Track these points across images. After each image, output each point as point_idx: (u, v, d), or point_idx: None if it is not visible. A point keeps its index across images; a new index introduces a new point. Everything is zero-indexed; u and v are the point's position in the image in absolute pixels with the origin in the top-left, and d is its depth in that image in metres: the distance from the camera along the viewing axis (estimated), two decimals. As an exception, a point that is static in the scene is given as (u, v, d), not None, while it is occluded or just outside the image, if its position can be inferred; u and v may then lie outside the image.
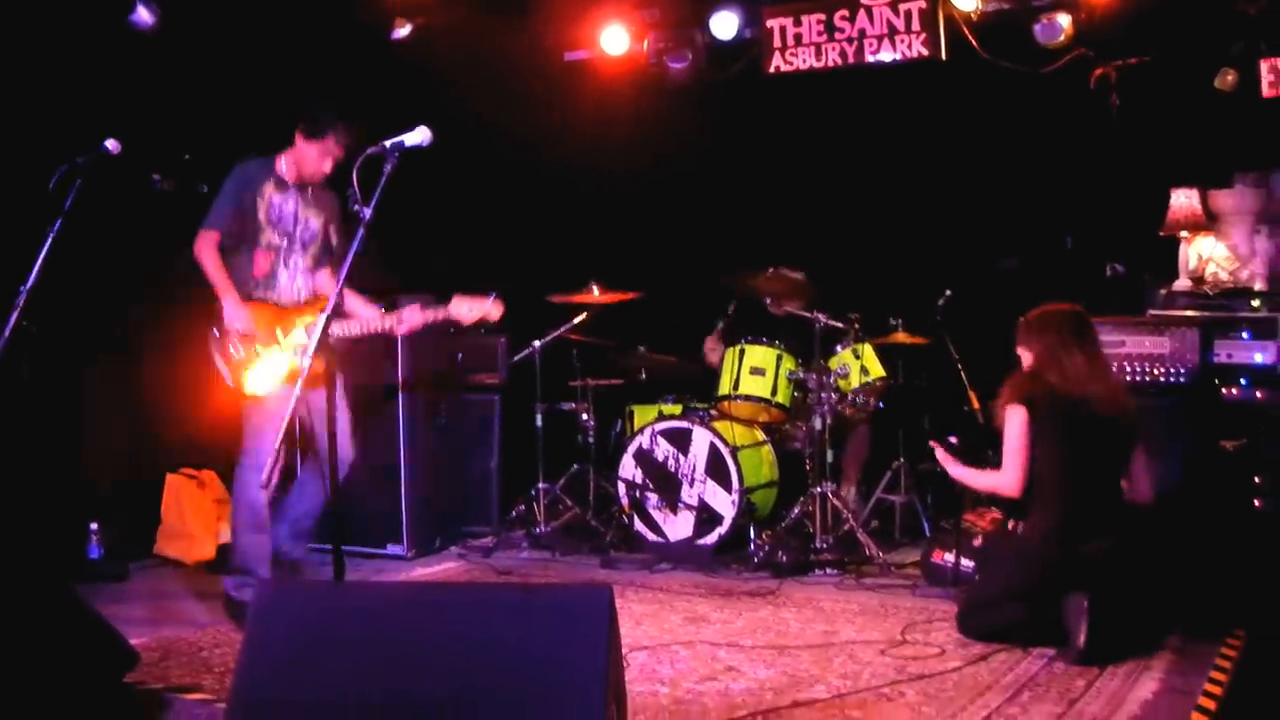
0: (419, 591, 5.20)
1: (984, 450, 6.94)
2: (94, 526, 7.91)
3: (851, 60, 8.86)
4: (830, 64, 8.93)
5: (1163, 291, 8.11)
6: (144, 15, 8.09)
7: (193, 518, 8.36)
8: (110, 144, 6.03)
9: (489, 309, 6.57)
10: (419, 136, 5.47)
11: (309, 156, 6.68)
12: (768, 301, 8.65)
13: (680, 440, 8.27)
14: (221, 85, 8.59)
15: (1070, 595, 5.65)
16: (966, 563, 6.94)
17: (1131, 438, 6.02)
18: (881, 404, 8.57)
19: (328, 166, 6.69)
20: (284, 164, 6.75)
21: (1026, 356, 6.19)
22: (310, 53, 8.78)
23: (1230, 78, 8.07)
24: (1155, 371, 7.10)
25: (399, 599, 4.39)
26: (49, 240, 5.78)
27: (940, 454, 6.49)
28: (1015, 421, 5.97)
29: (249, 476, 6.41)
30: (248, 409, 6.55)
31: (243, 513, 6.57)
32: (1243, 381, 7.23)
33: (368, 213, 5.27)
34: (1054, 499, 5.90)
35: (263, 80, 8.67)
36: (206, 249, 6.62)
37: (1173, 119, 8.36)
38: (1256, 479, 6.79)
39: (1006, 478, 6.04)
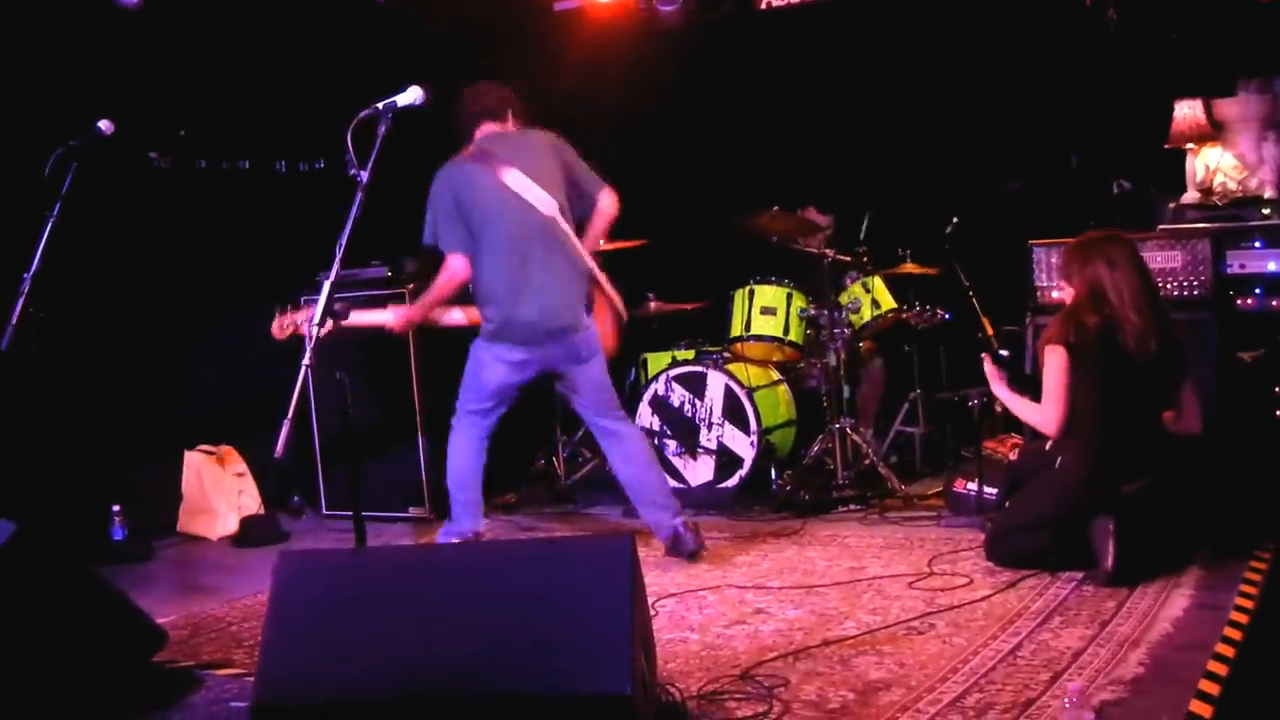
0: (440, 553, 5.19)
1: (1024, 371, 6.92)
2: (116, 508, 7.92)
3: (843, -10, 8.79)
4: (820, -4, 8.87)
5: (1171, 205, 8.04)
6: (128, -8, 8.03)
7: (214, 493, 8.37)
8: (103, 124, 6.02)
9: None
10: (411, 97, 5.43)
11: None
12: (774, 240, 8.59)
13: (695, 385, 8.25)
14: (212, 58, 8.53)
15: (1097, 518, 5.63)
16: (990, 490, 6.91)
17: (1177, 371, 5.92)
18: (947, 314, 8.52)
19: None
20: None
21: (1068, 290, 6.05)
22: (299, 18, 8.72)
23: (1230, -18, 7.97)
24: (1169, 286, 7.03)
25: (420, 562, 4.38)
26: (49, 225, 5.77)
27: (989, 369, 6.33)
28: (1054, 363, 5.83)
29: None
30: None
31: None
32: (1257, 291, 7.17)
33: (364, 176, 5.23)
34: (1093, 437, 5.80)
35: (253, 50, 8.62)
36: None
37: (1172, 29, 8.26)
38: (1277, 389, 6.74)
39: (1046, 416, 5.91)
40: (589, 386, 6.68)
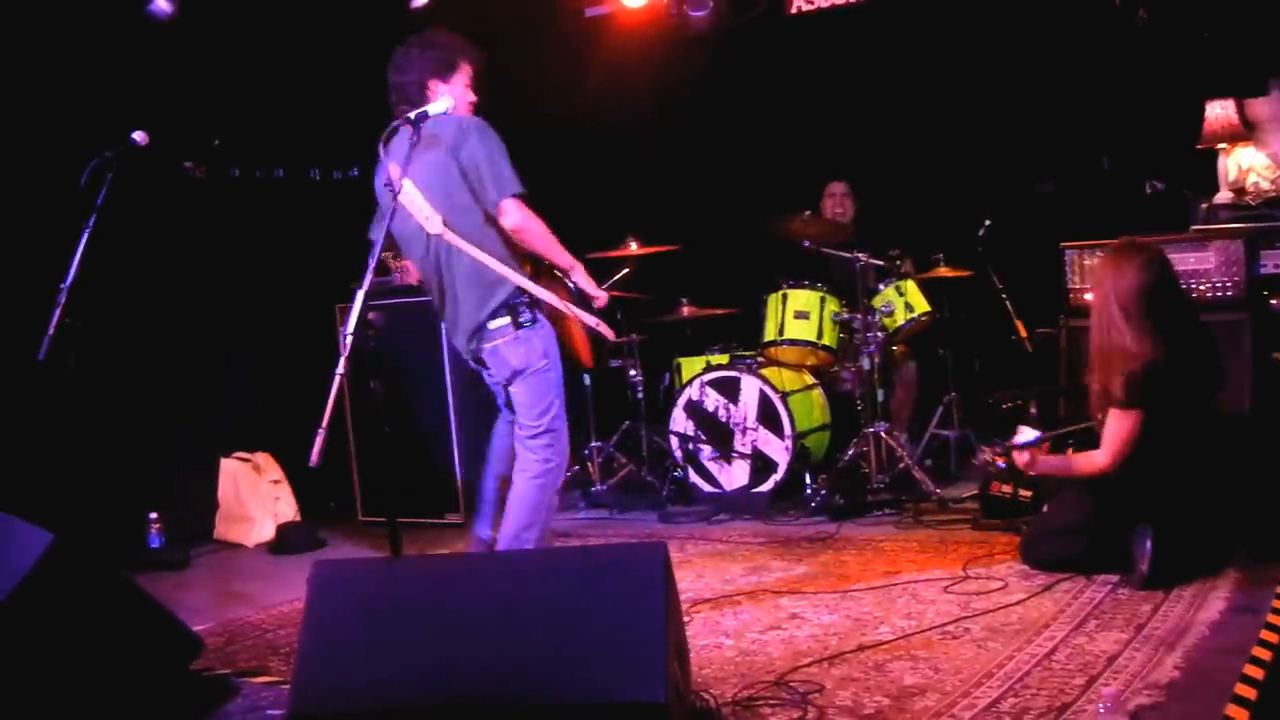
0: (474, 562, 5.20)
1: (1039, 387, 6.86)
2: (153, 516, 7.99)
3: (872, -7, 8.79)
4: (851, 0, 8.86)
5: (1204, 206, 8.01)
6: (162, 4, 8.08)
7: (250, 500, 8.42)
8: (138, 135, 6.04)
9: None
10: (443, 106, 5.45)
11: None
12: (806, 244, 8.58)
13: (729, 390, 8.26)
14: (245, 68, 8.59)
15: (1135, 523, 5.60)
16: (1025, 493, 6.89)
17: (1219, 370, 5.92)
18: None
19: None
20: None
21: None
22: (332, 29, 8.76)
23: (1260, -19, 7.94)
24: (1202, 287, 7.01)
25: (455, 571, 4.40)
26: (85, 236, 5.80)
27: (1018, 459, 6.02)
28: (1127, 425, 5.72)
29: None
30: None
31: None
32: (1291, 291, 7.14)
33: (398, 186, 5.26)
34: (1141, 453, 5.78)
35: (286, 60, 8.66)
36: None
37: (1203, 28, 8.24)
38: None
39: (1104, 461, 5.80)
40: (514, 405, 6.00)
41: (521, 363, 5.80)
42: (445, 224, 5.62)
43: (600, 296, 6.09)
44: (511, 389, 5.91)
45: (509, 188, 5.66)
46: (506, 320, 5.77)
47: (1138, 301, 5.75)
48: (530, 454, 5.89)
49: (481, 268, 5.70)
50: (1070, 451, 6.14)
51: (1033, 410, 6.79)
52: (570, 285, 6.07)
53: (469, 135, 5.70)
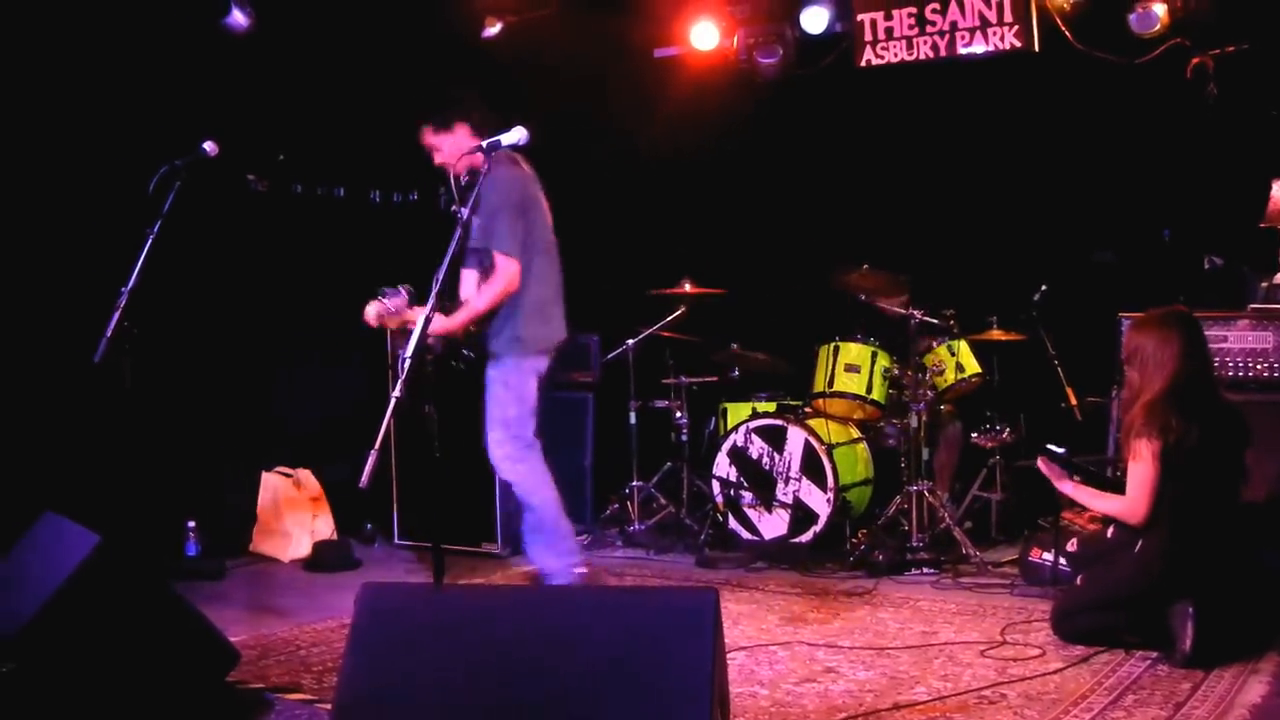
0: (523, 595, 5.20)
1: (1091, 456, 6.81)
2: (191, 524, 8.00)
3: (943, 53, 8.78)
4: (922, 57, 8.86)
5: (1264, 285, 7.96)
6: (238, 18, 8.18)
7: (289, 516, 8.43)
8: (208, 146, 6.09)
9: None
10: (515, 136, 5.47)
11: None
12: (862, 298, 8.57)
13: (775, 438, 8.24)
14: (315, 87, 8.65)
15: (1177, 600, 5.55)
16: (1065, 562, 6.84)
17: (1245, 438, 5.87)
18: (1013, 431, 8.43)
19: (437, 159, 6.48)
20: None
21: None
22: (403, 53, 8.82)
23: (1332, 63, 7.91)
24: (1259, 367, 6.98)
25: (503, 601, 4.39)
26: (149, 242, 5.85)
27: (1045, 468, 6.18)
28: (1148, 462, 5.67)
29: None
30: None
31: None
32: (1347, 375, 7.10)
33: (464, 213, 5.29)
34: (1176, 520, 5.73)
35: (357, 82, 8.72)
36: None
37: (1272, 107, 8.21)
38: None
39: (1126, 507, 5.80)
40: None
41: None
42: None
43: None
44: None
45: None
46: None
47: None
48: None
49: None
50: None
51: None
52: None
53: None
